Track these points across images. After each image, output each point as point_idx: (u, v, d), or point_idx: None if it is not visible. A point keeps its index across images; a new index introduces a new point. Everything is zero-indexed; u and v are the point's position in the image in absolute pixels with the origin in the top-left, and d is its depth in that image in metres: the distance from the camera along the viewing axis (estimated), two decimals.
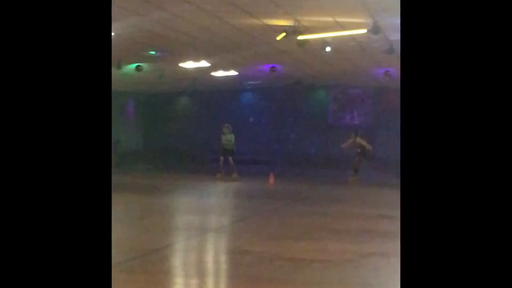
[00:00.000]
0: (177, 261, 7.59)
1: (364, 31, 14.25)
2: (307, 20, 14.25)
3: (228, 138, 21.10)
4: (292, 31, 14.61)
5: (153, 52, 17.97)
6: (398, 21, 3.18)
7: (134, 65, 18.94)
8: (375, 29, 13.90)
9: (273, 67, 21.04)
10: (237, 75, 22.82)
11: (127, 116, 27.15)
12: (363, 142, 20.75)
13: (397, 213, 3.55)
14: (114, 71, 18.89)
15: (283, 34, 14.81)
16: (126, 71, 19.32)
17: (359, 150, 20.88)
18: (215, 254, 8.19)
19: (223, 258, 7.80)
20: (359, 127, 23.08)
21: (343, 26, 14.55)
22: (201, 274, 6.70)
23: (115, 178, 18.46)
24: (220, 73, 22.37)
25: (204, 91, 26.59)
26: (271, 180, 19.86)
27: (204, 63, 20.08)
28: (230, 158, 20.75)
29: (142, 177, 20.17)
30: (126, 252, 7.52)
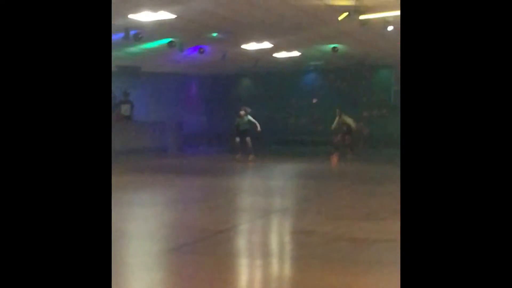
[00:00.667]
0: (242, 242, 7.65)
1: None
2: None
3: (245, 120, 20.89)
4: (354, 11, 14.48)
5: (215, 34, 18.03)
6: None
7: (167, 40, 18.64)
8: None
9: (335, 47, 20.89)
10: (300, 56, 22.73)
11: (190, 99, 27.35)
12: (348, 120, 21.13)
13: None
14: (175, 52, 19.01)
15: (345, 14, 14.68)
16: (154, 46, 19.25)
17: (345, 129, 21.25)
18: (279, 235, 8.23)
19: (287, 238, 7.83)
20: None
21: None
22: (265, 255, 6.75)
23: (178, 161, 18.70)
24: (282, 54, 22.32)
25: (266, 73, 26.59)
26: (334, 160, 19.78)
27: (266, 44, 20.07)
28: (248, 139, 20.57)
29: (205, 159, 20.33)
30: (190, 234, 7.62)
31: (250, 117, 20.64)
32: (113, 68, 22.76)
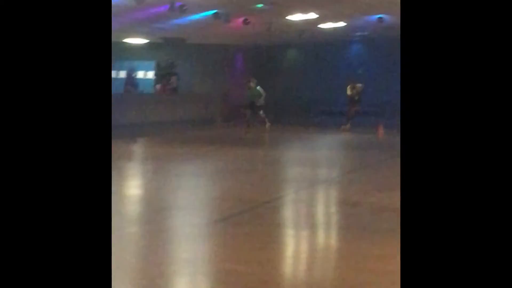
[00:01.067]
0: (288, 212, 7.71)
1: None
2: None
3: (255, 91, 20.63)
4: None
5: (260, 5, 17.98)
6: None
7: (212, 12, 18.53)
8: None
9: (380, 17, 20.66)
10: (345, 26, 22.55)
11: (235, 70, 27.40)
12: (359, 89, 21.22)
13: None
14: (220, 24, 19.01)
15: None
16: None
17: (356, 98, 20.98)
18: (325, 205, 8.27)
19: (333, 209, 7.86)
20: None
21: None
22: (311, 225, 6.80)
23: (224, 132, 18.75)
24: (328, 25, 22.17)
25: (311, 44, 26.44)
26: (380, 131, 19.68)
27: (312, 15, 19.94)
28: (261, 112, 20.37)
29: (249, 130, 20.40)
30: (236, 205, 7.70)
31: (259, 88, 20.51)
32: (159, 40, 22.88)
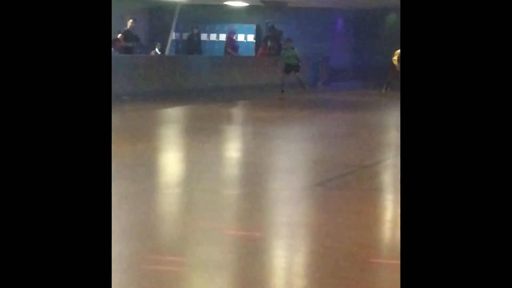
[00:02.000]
0: (387, 177, 7.64)
1: None
2: None
3: (291, 53, 18.78)
4: None
5: None
6: None
7: None
8: None
9: None
10: None
11: (335, 33, 27.14)
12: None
13: None
14: None
15: None
16: None
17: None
18: None
19: None
20: None
21: None
22: None
23: (325, 96, 18.67)
24: None
25: None
26: None
27: None
28: (298, 74, 18.70)
29: (351, 94, 20.24)
30: (335, 168, 7.69)
31: (295, 50, 18.87)
32: (259, 3, 22.88)
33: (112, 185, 6.34)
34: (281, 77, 18.49)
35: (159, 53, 21.16)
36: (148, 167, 7.83)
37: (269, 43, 22.55)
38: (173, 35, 24.93)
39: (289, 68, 18.42)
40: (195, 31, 19.45)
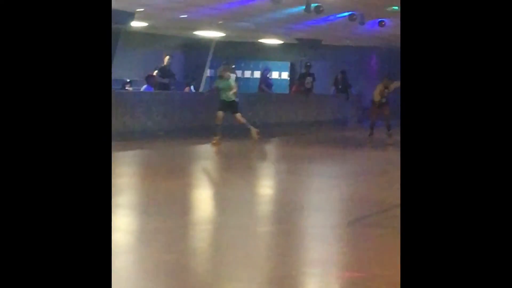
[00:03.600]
0: None
1: None
2: None
3: (226, 84, 13.42)
4: None
5: (396, 8, 17.77)
6: None
7: (347, 13, 18.18)
8: None
9: None
10: None
11: (369, 72, 27.18)
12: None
13: None
14: (356, 26, 18.91)
15: None
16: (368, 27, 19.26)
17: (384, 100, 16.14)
18: None
19: None
20: None
21: None
22: None
23: (357, 133, 18.46)
24: None
25: None
26: None
27: None
28: (237, 115, 13.47)
29: (380, 132, 20.17)
30: (368, 207, 7.65)
31: (231, 82, 13.82)
32: (294, 41, 23.03)
33: (147, 220, 6.44)
34: (216, 116, 13.36)
35: (193, 90, 21.35)
36: (181, 204, 7.87)
37: (304, 81, 22.64)
38: (207, 72, 25.17)
39: (224, 106, 13.41)
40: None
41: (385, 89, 16.02)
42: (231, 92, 13.21)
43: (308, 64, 22.95)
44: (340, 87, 23.40)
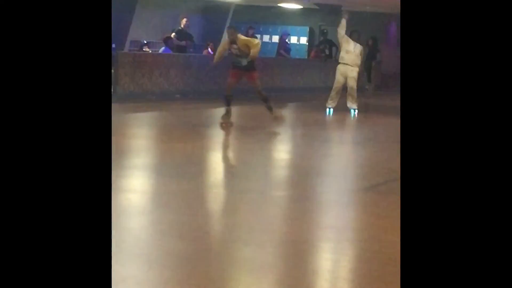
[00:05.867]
0: None
1: None
2: None
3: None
4: None
5: None
6: None
7: None
8: None
9: None
10: None
11: (389, 38, 26.95)
12: None
13: None
14: None
15: None
16: None
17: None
18: None
19: None
20: None
21: None
22: None
23: (377, 100, 18.38)
24: None
25: None
26: None
27: None
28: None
29: (398, 99, 20.06)
30: (383, 173, 7.64)
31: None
32: (313, 6, 22.85)
33: (163, 182, 6.41)
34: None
35: (211, 52, 21.30)
36: (197, 166, 7.90)
37: (321, 47, 22.52)
38: (226, 35, 25.05)
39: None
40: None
41: None
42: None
43: (325, 30, 22.78)
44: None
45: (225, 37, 14.41)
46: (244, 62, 11.01)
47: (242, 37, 11.35)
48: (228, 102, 11.10)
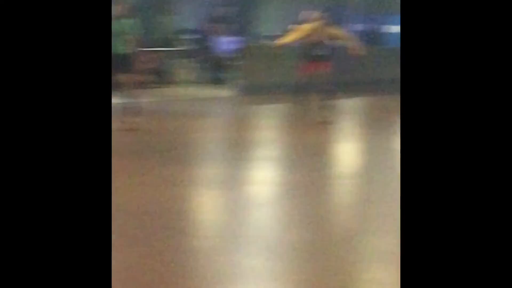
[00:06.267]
0: None
1: None
2: None
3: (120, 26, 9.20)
4: None
5: None
6: None
7: None
8: None
9: None
10: None
11: None
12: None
13: None
14: None
15: None
16: None
17: None
18: None
19: None
20: None
21: None
22: None
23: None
24: None
25: None
26: None
27: None
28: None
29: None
30: None
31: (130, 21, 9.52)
32: None
33: (288, 173, 6.54)
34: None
35: None
36: (323, 157, 8.07)
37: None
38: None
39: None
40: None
41: None
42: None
43: None
44: None
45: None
46: None
47: None
48: None
